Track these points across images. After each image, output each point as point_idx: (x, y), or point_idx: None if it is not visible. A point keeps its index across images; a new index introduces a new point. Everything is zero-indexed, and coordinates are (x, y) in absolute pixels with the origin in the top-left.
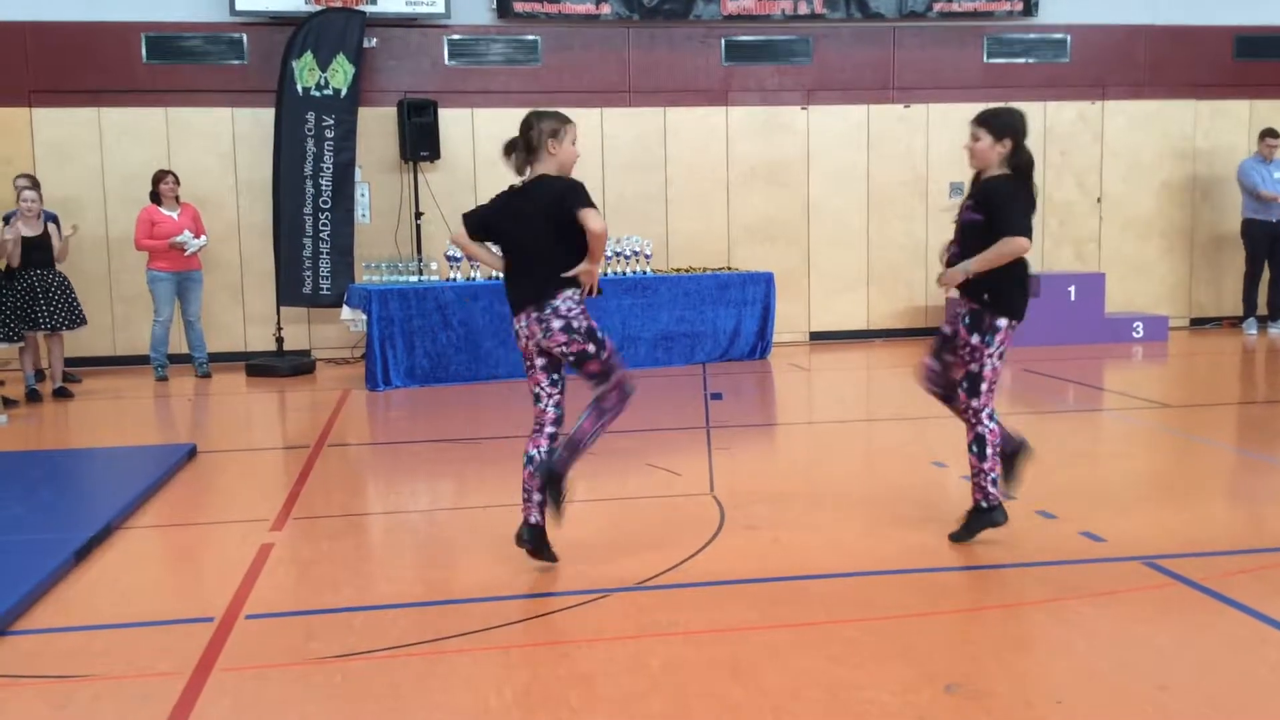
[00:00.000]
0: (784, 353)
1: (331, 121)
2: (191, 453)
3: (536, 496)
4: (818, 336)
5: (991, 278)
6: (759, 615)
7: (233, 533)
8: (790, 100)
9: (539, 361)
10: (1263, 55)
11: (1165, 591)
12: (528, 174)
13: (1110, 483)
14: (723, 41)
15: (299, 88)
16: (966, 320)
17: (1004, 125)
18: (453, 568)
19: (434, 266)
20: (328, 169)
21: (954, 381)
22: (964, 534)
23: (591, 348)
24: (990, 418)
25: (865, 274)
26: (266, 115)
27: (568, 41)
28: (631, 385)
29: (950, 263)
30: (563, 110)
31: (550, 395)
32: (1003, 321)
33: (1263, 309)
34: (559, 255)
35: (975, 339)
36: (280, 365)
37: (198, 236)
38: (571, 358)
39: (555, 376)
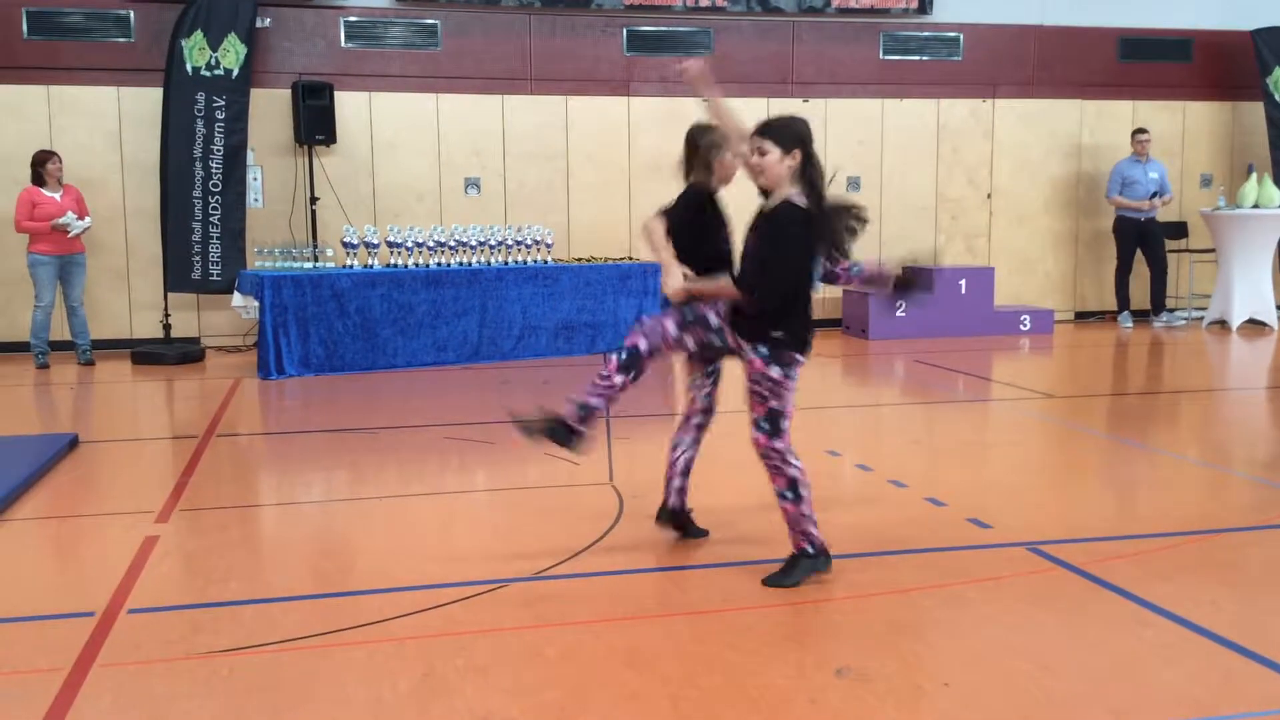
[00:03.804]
0: None
1: (222, 103)
2: (73, 443)
3: (676, 482)
4: None
5: (782, 318)
6: (657, 604)
7: (116, 525)
8: (691, 92)
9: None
10: (1145, 57)
11: (1048, 576)
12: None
13: (997, 471)
14: (624, 31)
15: (188, 67)
16: (765, 353)
17: (792, 136)
18: (346, 559)
19: (330, 253)
20: (218, 151)
21: (664, 356)
22: (785, 580)
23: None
24: (795, 457)
25: None
26: (154, 95)
27: (468, 27)
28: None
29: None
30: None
31: (701, 387)
32: (801, 356)
33: (1141, 303)
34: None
35: (776, 372)
36: (167, 353)
37: (81, 218)
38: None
39: (710, 369)
